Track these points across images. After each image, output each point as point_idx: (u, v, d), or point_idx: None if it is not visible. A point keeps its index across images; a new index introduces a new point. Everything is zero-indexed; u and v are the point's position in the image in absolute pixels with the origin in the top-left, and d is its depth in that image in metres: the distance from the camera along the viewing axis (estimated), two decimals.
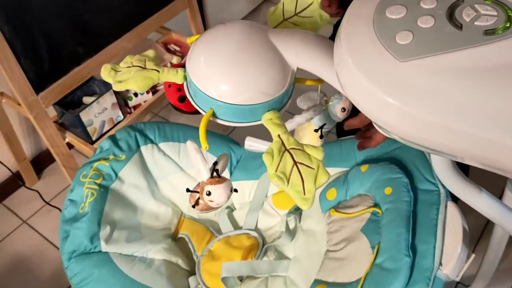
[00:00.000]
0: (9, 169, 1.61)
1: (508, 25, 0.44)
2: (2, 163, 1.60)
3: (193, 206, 0.62)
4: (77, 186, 0.99)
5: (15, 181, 1.66)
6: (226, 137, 1.10)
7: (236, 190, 0.64)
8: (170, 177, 1.07)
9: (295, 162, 0.49)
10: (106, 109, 1.32)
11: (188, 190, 0.62)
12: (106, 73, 0.60)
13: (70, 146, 1.39)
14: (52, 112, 1.39)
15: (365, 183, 0.87)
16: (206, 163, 0.61)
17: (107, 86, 1.32)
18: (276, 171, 0.49)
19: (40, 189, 1.66)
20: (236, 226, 1.06)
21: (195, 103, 0.58)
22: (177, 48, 1.59)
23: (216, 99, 0.54)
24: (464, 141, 0.43)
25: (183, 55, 1.56)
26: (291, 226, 0.98)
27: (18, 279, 1.49)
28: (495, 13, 0.44)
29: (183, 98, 0.65)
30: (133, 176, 1.03)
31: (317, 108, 0.71)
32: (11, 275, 1.50)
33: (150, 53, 0.60)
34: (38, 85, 1.20)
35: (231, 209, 1.09)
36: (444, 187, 0.80)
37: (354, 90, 0.46)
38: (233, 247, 0.99)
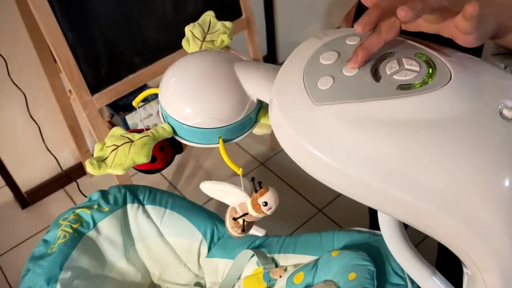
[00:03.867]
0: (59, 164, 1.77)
1: (427, 81, 0.44)
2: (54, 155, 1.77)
3: (243, 230, 0.62)
4: (54, 227, 1.02)
5: (77, 171, 1.83)
6: (213, 214, 1.11)
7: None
8: (148, 240, 1.07)
9: None
10: (151, 115, 1.43)
11: (234, 218, 0.61)
12: (95, 169, 0.50)
13: None
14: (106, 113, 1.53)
15: (332, 269, 0.87)
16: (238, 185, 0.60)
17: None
18: None
19: (99, 181, 1.80)
20: None
21: (196, 143, 0.59)
22: None
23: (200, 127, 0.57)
24: (363, 190, 0.44)
25: None
26: None
27: None
28: (417, 69, 0.45)
29: (154, 158, 0.63)
30: (111, 230, 1.04)
31: None
32: None
33: (119, 130, 0.56)
34: (94, 87, 1.33)
35: (201, 287, 1.09)
36: (412, 282, 0.79)
37: (274, 124, 0.49)
38: None
